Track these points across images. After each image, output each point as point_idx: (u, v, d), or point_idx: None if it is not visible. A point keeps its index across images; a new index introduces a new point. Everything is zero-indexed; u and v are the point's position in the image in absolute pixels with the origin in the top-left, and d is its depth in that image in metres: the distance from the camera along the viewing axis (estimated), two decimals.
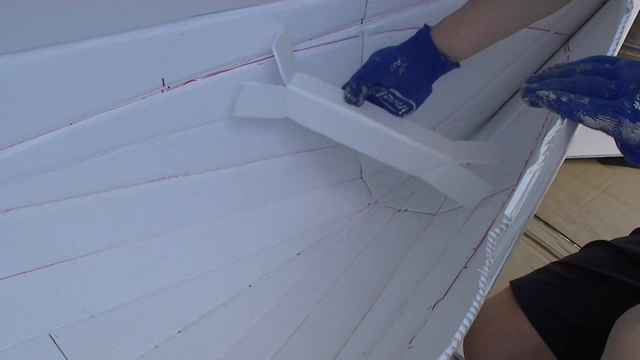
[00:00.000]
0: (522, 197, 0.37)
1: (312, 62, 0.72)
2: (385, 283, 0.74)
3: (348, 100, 0.68)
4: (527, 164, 0.80)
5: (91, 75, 0.56)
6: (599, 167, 1.07)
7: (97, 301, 0.69)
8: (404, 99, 0.66)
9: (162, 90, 0.62)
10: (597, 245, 0.70)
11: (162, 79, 0.61)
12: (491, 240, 0.37)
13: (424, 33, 0.62)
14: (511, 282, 0.68)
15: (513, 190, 0.39)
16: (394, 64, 0.63)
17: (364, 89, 0.66)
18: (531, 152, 0.81)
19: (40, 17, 0.49)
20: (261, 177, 0.80)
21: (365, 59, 0.77)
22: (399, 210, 0.90)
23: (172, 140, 0.67)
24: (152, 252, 0.73)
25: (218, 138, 0.71)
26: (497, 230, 0.37)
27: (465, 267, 0.65)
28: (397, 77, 0.63)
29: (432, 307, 0.61)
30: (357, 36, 0.73)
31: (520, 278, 0.70)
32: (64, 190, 0.62)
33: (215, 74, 0.64)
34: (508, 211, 0.36)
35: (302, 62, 0.71)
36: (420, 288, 0.69)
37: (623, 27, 0.57)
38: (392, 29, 0.76)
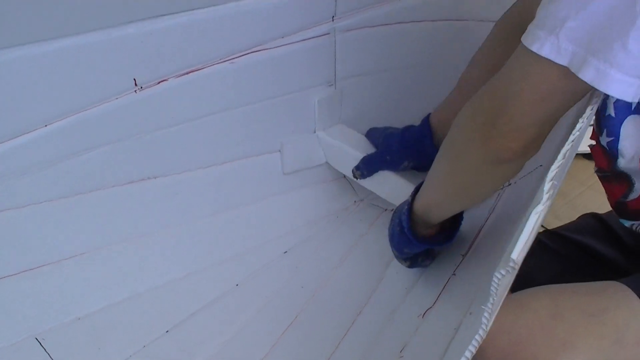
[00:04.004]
0: (528, 239, 0.36)
1: (284, 60, 0.72)
2: (375, 286, 0.74)
3: (354, 176, 0.80)
4: None
5: (63, 75, 0.57)
6: (585, 162, 1.06)
7: (83, 303, 0.69)
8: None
9: (135, 91, 0.63)
10: (588, 216, 0.72)
11: (134, 79, 0.62)
12: (496, 280, 0.37)
13: (427, 137, 0.71)
14: None
15: (516, 230, 0.37)
16: (403, 164, 0.74)
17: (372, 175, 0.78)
18: None
19: (7, 16, 0.50)
20: (241, 177, 0.80)
21: (339, 57, 0.77)
22: (385, 210, 0.90)
23: (148, 141, 0.68)
24: (137, 254, 0.74)
25: (194, 138, 0.72)
26: (503, 272, 0.36)
27: (454, 275, 0.65)
28: (405, 169, 0.75)
29: (422, 315, 0.62)
30: (329, 34, 0.74)
31: None
32: (43, 193, 0.63)
33: (187, 73, 0.65)
34: (515, 254, 0.35)
35: (275, 60, 0.71)
36: (409, 295, 0.69)
37: None
38: (365, 25, 0.76)
